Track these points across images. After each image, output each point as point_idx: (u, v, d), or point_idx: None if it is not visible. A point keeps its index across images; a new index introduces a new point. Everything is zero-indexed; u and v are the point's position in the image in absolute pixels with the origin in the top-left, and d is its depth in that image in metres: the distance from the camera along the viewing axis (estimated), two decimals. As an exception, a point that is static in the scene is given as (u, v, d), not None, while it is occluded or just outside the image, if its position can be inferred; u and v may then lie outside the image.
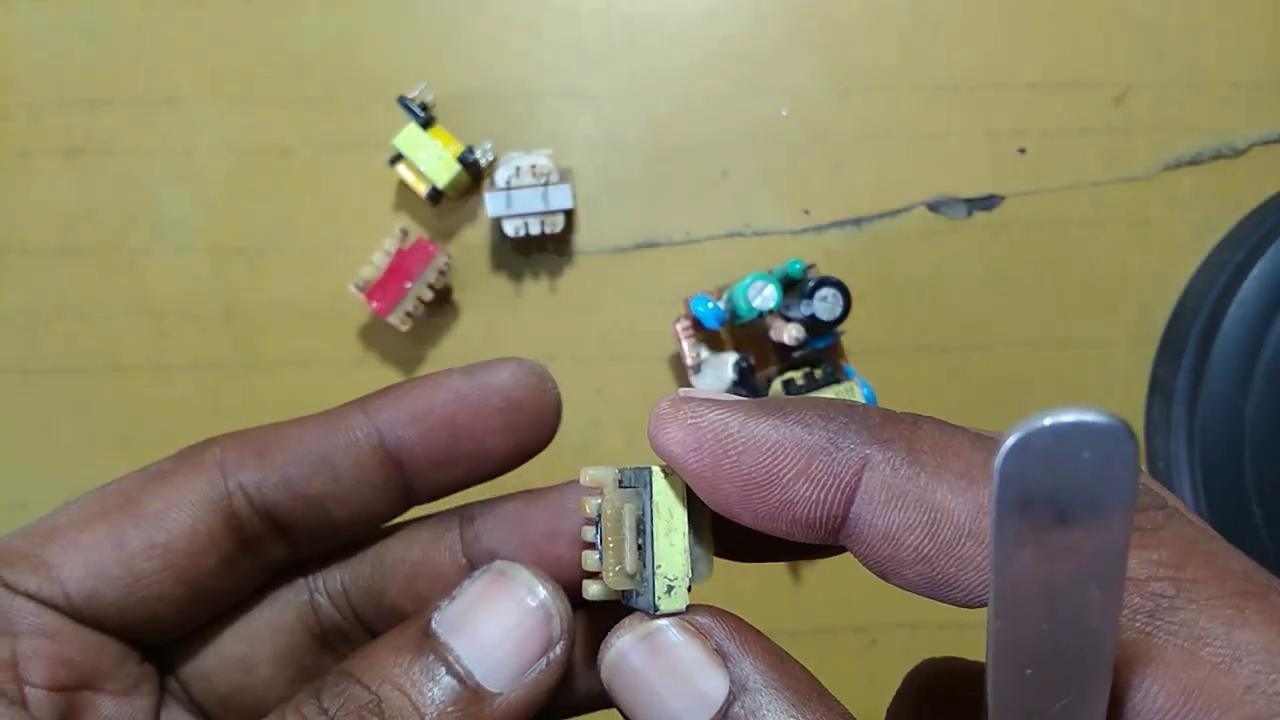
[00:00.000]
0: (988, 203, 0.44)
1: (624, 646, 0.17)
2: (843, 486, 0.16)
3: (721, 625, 0.17)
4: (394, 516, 0.22)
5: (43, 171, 0.43)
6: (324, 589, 0.22)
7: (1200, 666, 0.14)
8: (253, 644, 0.22)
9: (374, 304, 0.40)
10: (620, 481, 0.19)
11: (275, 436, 0.21)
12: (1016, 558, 0.12)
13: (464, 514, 0.22)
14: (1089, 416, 0.11)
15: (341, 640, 0.23)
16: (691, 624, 0.17)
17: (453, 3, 0.44)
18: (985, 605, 0.16)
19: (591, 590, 0.18)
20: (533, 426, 0.22)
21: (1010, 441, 0.11)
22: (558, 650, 0.19)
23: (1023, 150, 0.44)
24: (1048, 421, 0.11)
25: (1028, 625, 0.13)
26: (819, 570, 0.44)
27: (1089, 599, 0.13)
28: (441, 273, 0.41)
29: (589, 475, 0.19)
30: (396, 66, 0.44)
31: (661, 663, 0.17)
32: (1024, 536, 0.12)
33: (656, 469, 0.18)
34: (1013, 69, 0.44)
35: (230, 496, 0.20)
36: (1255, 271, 0.40)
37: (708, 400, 0.17)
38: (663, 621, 0.17)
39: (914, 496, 0.16)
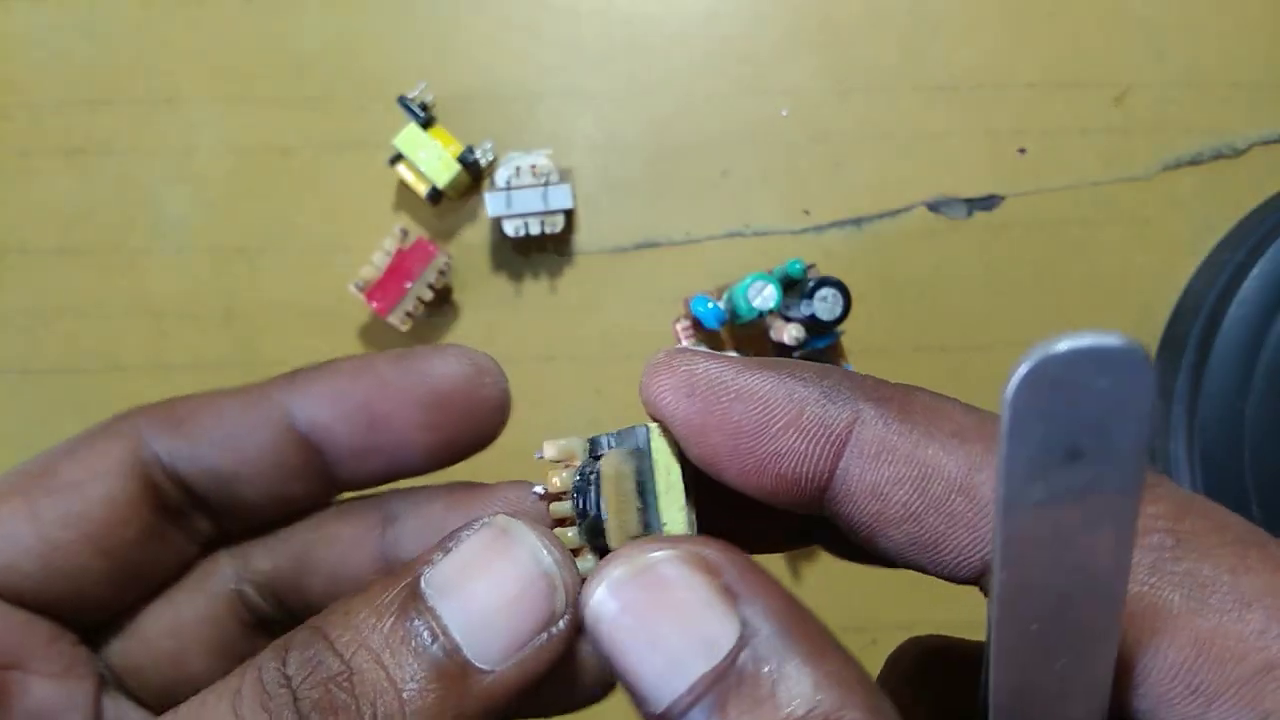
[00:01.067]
0: (988, 203, 0.44)
1: (616, 580, 0.16)
2: (833, 439, 0.16)
3: (731, 562, 0.15)
4: (317, 500, 0.21)
5: (43, 171, 0.43)
6: (250, 579, 0.21)
7: (1209, 615, 0.14)
8: (182, 638, 0.21)
9: (374, 304, 0.40)
10: (591, 450, 0.18)
11: (194, 408, 0.20)
12: (1025, 498, 0.11)
13: (385, 512, 0.21)
14: (1107, 340, 0.11)
15: (275, 627, 0.21)
16: (698, 557, 0.15)
17: (453, 3, 0.44)
18: (970, 576, 0.16)
19: (582, 567, 0.17)
20: (465, 424, 0.20)
21: (1023, 369, 0.11)
22: (560, 625, 0.17)
23: (1023, 150, 0.44)
24: (1063, 347, 0.11)
25: (1035, 573, 0.12)
26: (819, 570, 0.44)
27: (1099, 544, 0.12)
28: (441, 273, 0.41)
29: (558, 446, 0.18)
30: (396, 66, 0.44)
31: (660, 600, 0.15)
32: (1034, 474, 0.11)
33: (652, 426, 0.18)
34: (1013, 69, 0.44)
35: (147, 465, 0.19)
36: (1255, 271, 0.40)
37: (703, 353, 0.17)
38: (664, 553, 0.15)
39: (905, 452, 0.16)
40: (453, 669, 0.16)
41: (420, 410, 0.19)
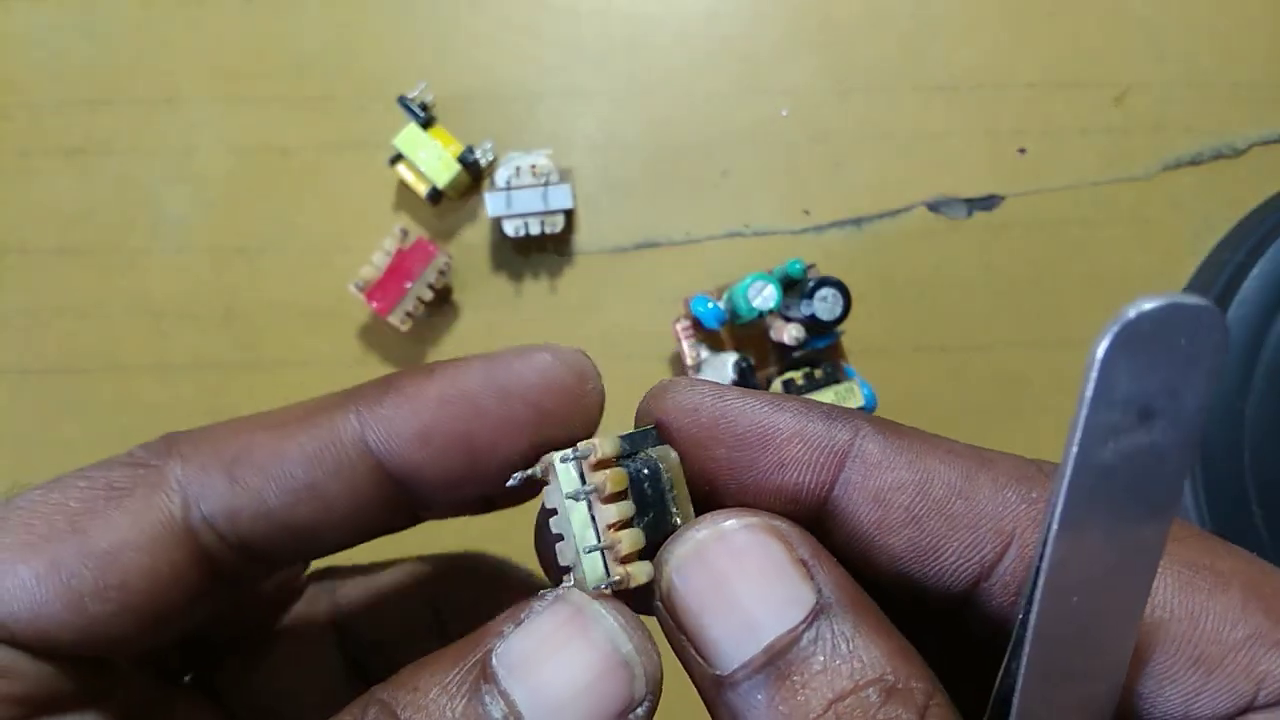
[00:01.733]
0: (988, 203, 0.44)
1: (698, 543, 0.16)
2: (836, 449, 0.16)
3: (803, 535, 0.16)
4: (397, 531, 0.19)
5: (43, 171, 0.43)
6: (342, 613, 0.20)
7: (1196, 593, 0.15)
8: (281, 678, 0.20)
9: (374, 304, 0.40)
10: (621, 448, 0.17)
11: (248, 447, 0.17)
12: (1095, 458, 0.12)
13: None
14: (1188, 300, 0.11)
15: (375, 654, 0.21)
16: (776, 527, 0.16)
17: (453, 3, 0.44)
18: (964, 586, 0.16)
19: (641, 570, 0.16)
20: (566, 434, 0.18)
21: (1116, 327, 0.11)
22: (639, 713, 0.16)
23: (1023, 150, 0.44)
24: (1155, 304, 0.11)
25: (1088, 542, 0.13)
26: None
27: (1151, 505, 0.13)
28: (441, 273, 0.41)
29: (612, 442, 0.17)
30: (396, 66, 0.44)
31: (740, 565, 0.15)
32: (1107, 434, 0.12)
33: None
34: (1013, 69, 0.44)
35: (195, 531, 0.17)
36: (1255, 271, 0.40)
37: (709, 380, 0.18)
38: (743, 520, 0.16)
39: (906, 459, 0.16)
40: None
41: (523, 432, 0.17)
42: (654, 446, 0.17)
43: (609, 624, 0.16)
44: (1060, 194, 0.44)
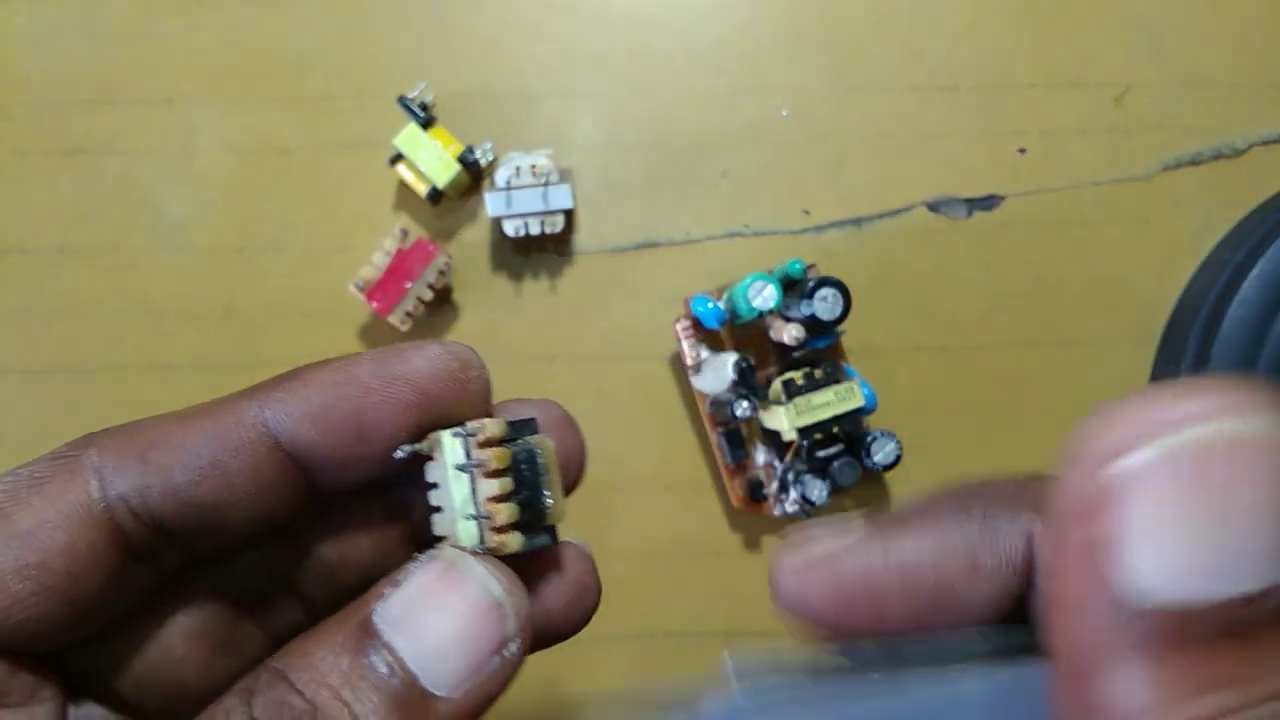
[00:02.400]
0: (988, 203, 0.44)
1: (1181, 444, 0.11)
2: (1016, 569, 0.15)
3: None
4: (298, 515, 0.20)
5: (43, 171, 0.43)
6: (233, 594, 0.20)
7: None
8: (161, 633, 0.20)
9: (374, 304, 0.40)
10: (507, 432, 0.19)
11: (159, 435, 0.18)
12: None
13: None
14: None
15: (261, 605, 0.21)
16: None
17: (453, 3, 0.44)
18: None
19: (516, 543, 0.18)
20: (452, 419, 0.19)
21: None
22: (512, 649, 0.17)
23: (1023, 150, 0.44)
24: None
25: None
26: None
27: None
28: (441, 273, 0.41)
29: (432, 438, 0.19)
30: (396, 66, 0.44)
31: (1240, 474, 0.11)
32: None
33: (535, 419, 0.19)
34: (1013, 69, 0.44)
35: (112, 509, 0.18)
36: (1255, 271, 0.40)
37: (823, 543, 0.16)
38: (1239, 420, 0.11)
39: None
40: (412, 699, 0.16)
41: (407, 412, 0.19)
42: (533, 435, 0.19)
43: (479, 571, 0.18)
44: (1060, 194, 0.44)
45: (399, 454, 0.19)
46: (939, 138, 0.44)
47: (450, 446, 0.18)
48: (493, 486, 0.18)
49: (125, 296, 0.43)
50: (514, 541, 0.18)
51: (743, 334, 0.43)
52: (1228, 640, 0.11)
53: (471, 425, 0.18)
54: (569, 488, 0.21)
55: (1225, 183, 0.44)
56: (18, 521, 0.17)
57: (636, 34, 0.44)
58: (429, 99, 0.42)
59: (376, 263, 0.41)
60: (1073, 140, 0.44)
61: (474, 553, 0.18)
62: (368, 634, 0.17)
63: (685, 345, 0.42)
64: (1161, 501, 0.11)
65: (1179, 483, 0.11)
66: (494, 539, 0.18)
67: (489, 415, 0.20)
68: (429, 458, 0.19)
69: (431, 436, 0.19)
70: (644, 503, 0.43)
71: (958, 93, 0.44)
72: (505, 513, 0.18)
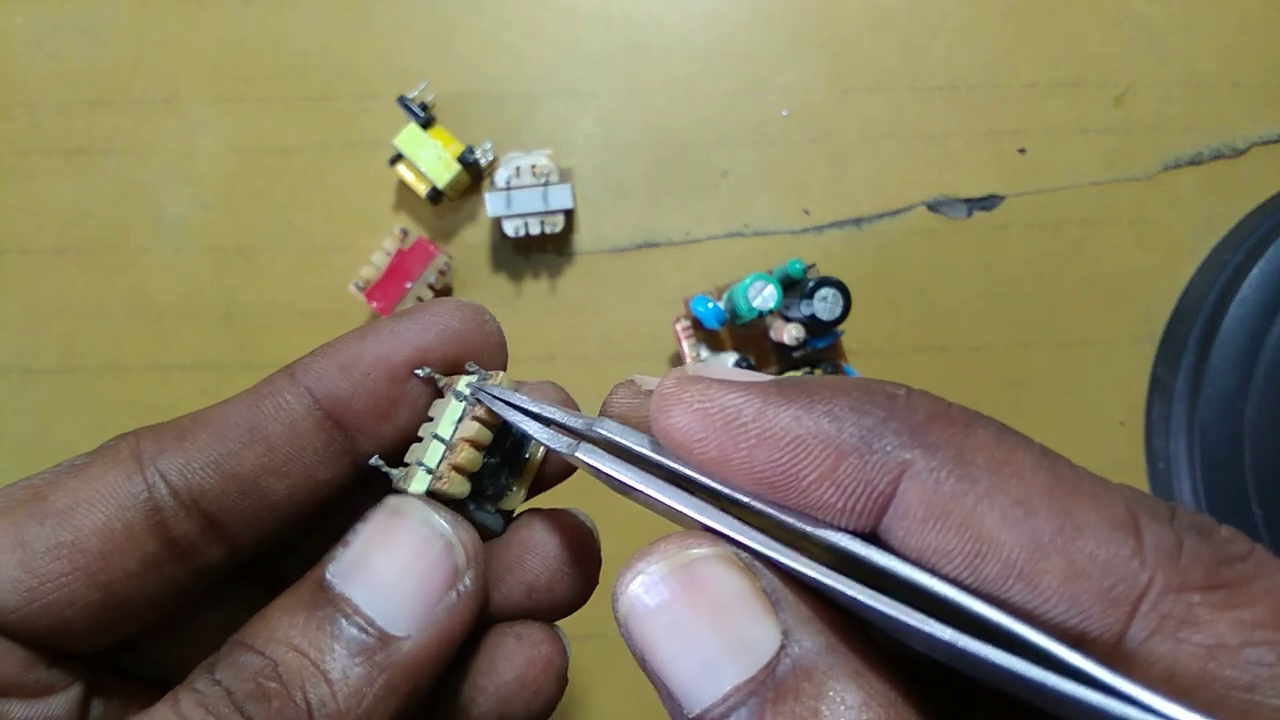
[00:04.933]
0: (988, 203, 0.44)
1: (651, 575, 0.14)
2: (875, 496, 0.14)
3: (772, 568, 0.14)
4: (340, 486, 0.20)
5: (43, 171, 0.43)
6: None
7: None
8: (195, 632, 0.20)
9: (374, 304, 0.40)
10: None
11: (196, 418, 0.18)
12: None
13: None
14: None
15: None
16: (737, 558, 0.14)
17: (453, 3, 0.44)
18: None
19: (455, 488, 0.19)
20: (474, 356, 0.20)
21: None
22: (467, 581, 0.17)
23: (1023, 150, 0.44)
24: None
25: None
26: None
27: None
28: (441, 273, 0.41)
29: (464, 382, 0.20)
30: (396, 66, 0.44)
31: (697, 599, 0.14)
32: None
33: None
34: (1013, 69, 0.44)
35: (151, 488, 0.17)
36: (1255, 271, 0.40)
37: (719, 381, 0.15)
38: (703, 550, 0.15)
39: (958, 518, 0.13)
40: (372, 642, 0.16)
41: (433, 350, 0.19)
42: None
43: (421, 509, 0.18)
44: (1060, 194, 0.44)
45: (419, 372, 0.19)
46: (939, 138, 0.44)
47: (462, 383, 0.19)
48: (471, 429, 0.18)
49: (125, 296, 0.43)
50: (458, 486, 0.18)
51: (743, 334, 0.43)
52: None
53: (487, 372, 0.19)
54: (568, 473, 0.21)
55: (1225, 183, 0.44)
56: (53, 501, 0.17)
57: (637, 34, 0.44)
58: (429, 99, 0.42)
59: (376, 263, 0.41)
60: (1073, 140, 0.44)
61: (418, 497, 0.18)
62: (320, 589, 0.17)
63: (685, 345, 0.42)
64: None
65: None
66: (444, 469, 0.18)
67: (504, 369, 0.20)
68: (440, 393, 0.20)
69: (451, 377, 0.20)
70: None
71: (958, 93, 0.44)
72: (467, 455, 0.18)
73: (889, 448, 0.14)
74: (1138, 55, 0.44)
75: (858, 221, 0.44)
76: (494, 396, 0.19)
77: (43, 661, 0.18)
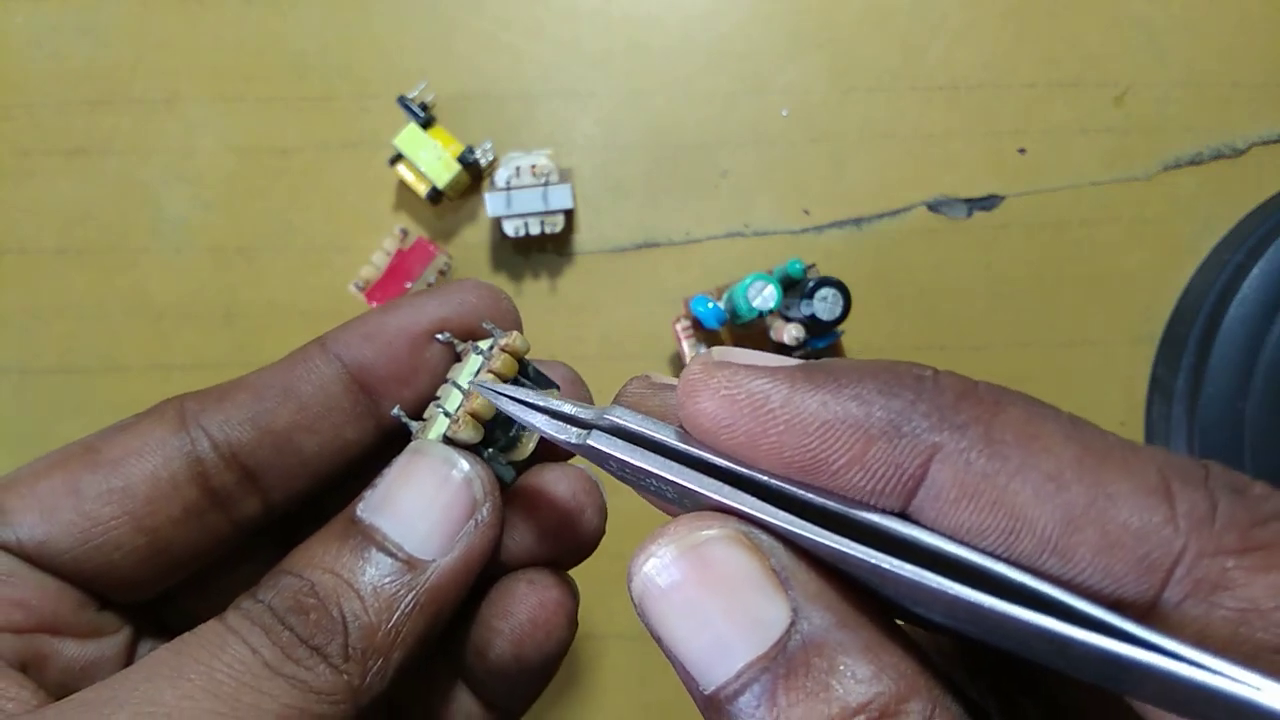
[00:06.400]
0: (988, 203, 0.44)
1: (663, 556, 0.15)
2: (905, 479, 0.14)
3: (782, 545, 0.15)
4: (365, 447, 0.22)
5: (43, 171, 0.43)
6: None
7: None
8: (233, 582, 0.21)
9: (374, 304, 0.40)
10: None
11: (235, 382, 0.21)
12: None
13: None
14: None
15: None
16: (747, 537, 0.15)
17: (453, 3, 0.44)
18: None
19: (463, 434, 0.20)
20: (501, 325, 0.22)
21: None
22: (484, 512, 0.19)
23: (1023, 150, 0.44)
24: None
25: None
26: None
27: None
28: (442, 273, 0.41)
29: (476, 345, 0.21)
30: (396, 66, 0.44)
31: (708, 579, 0.14)
32: None
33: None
34: (1013, 69, 0.44)
35: (194, 441, 0.20)
36: (1255, 271, 0.40)
37: (746, 367, 0.15)
38: (713, 530, 0.15)
39: (991, 497, 0.13)
40: (400, 565, 0.18)
41: (453, 320, 0.21)
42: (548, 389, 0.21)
43: (441, 449, 0.20)
44: (1060, 194, 0.44)
45: (439, 337, 0.21)
46: (939, 138, 0.44)
47: (482, 343, 0.21)
48: (488, 379, 0.20)
49: (125, 296, 0.43)
50: (471, 430, 0.20)
51: (743, 334, 0.43)
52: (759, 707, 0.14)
53: (500, 333, 0.21)
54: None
55: (1225, 183, 0.44)
56: (105, 453, 0.19)
57: (637, 34, 0.44)
58: (429, 99, 0.42)
59: (376, 263, 0.41)
60: (1073, 140, 0.44)
61: (438, 441, 0.20)
62: (353, 524, 0.19)
63: (685, 345, 0.42)
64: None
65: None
66: (459, 414, 0.20)
67: (519, 327, 0.22)
68: (458, 357, 0.21)
69: (468, 342, 0.21)
70: (643, 502, 0.43)
71: (958, 93, 0.44)
72: (479, 402, 0.20)
73: (918, 430, 0.14)
74: (1138, 55, 0.44)
75: (858, 221, 0.44)
76: (498, 393, 0.19)
77: (93, 604, 0.20)
